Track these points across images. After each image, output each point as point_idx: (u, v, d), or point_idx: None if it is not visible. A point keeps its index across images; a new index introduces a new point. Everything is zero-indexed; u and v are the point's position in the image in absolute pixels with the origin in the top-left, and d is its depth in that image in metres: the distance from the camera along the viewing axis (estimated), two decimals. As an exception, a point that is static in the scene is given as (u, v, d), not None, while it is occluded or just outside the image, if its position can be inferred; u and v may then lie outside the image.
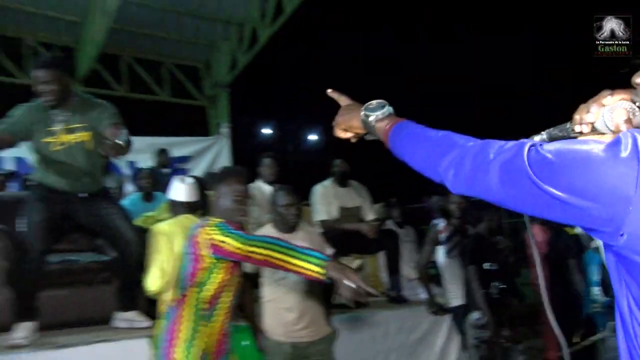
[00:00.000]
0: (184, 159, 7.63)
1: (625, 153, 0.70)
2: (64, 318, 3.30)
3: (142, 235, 3.09)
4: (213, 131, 8.43)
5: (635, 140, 0.71)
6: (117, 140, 2.64)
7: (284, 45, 8.47)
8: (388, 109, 1.15)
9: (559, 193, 0.72)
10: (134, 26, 7.51)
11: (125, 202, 4.52)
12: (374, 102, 1.16)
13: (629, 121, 0.81)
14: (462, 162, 0.86)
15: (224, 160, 7.84)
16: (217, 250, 1.93)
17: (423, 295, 4.23)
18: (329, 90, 1.25)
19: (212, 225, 2.00)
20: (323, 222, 4.14)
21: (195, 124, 8.74)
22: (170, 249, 2.66)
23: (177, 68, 8.47)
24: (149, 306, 3.14)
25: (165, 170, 6.02)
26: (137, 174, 5.06)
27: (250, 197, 2.31)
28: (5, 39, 7.34)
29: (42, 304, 3.04)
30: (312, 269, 1.72)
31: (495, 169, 0.79)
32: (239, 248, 1.85)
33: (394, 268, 4.31)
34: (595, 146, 0.73)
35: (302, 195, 3.01)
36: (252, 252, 1.82)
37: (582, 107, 0.88)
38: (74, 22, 7.20)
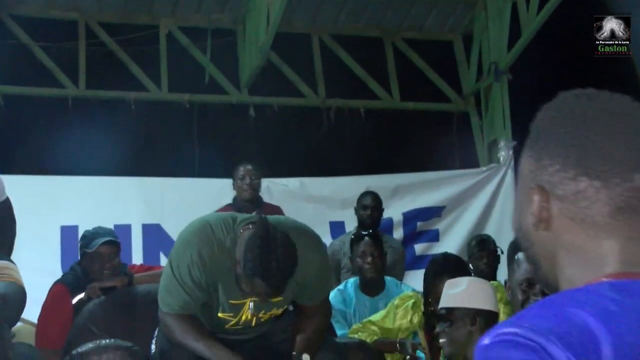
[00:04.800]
0: (431, 213, 7.58)
1: None
2: None
3: (359, 355, 3.54)
4: (483, 156, 8.35)
5: None
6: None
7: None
8: None
9: None
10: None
11: (332, 296, 4.80)
12: None
13: None
14: None
15: (507, 208, 7.51)
16: None
17: None
18: None
19: None
20: None
21: (448, 147, 8.68)
22: None
23: (411, 46, 8.57)
24: None
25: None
26: (353, 243, 5.19)
27: None
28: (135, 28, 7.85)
29: None
30: None
31: None
32: None
33: None
34: None
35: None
36: None
37: None
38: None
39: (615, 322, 1.03)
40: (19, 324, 3.87)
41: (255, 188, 5.84)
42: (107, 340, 3.43)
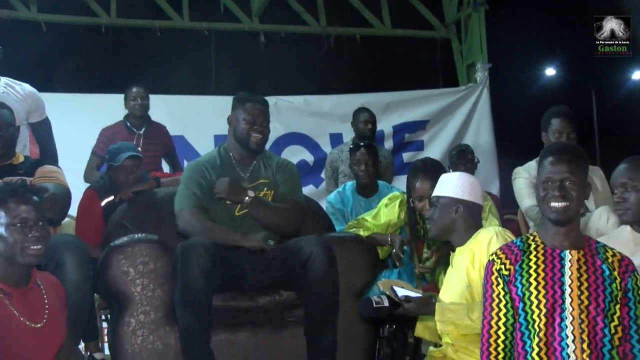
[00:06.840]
0: (417, 126, 7.49)
1: None
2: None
3: (353, 246, 3.63)
4: (462, 77, 8.25)
5: None
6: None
7: None
8: None
9: None
10: None
11: (332, 197, 4.76)
12: None
13: None
14: None
15: (483, 122, 7.57)
16: None
17: None
18: None
19: None
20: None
21: (432, 69, 8.64)
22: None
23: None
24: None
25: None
26: (351, 152, 5.05)
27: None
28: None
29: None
30: None
31: None
32: None
33: None
34: None
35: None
36: None
37: None
38: None
39: None
40: (66, 219, 3.94)
41: (145, 107, 5.45)
42: (139, 235, 3.48)
